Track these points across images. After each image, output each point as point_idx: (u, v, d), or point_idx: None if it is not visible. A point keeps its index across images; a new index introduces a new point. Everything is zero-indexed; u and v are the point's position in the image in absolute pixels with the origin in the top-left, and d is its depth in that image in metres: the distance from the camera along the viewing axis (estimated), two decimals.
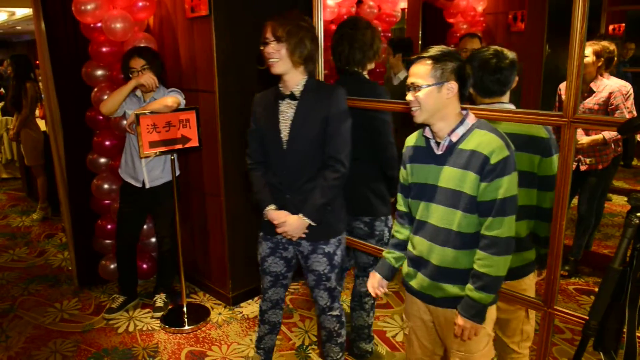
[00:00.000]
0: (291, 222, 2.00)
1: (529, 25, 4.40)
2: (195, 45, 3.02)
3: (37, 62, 4.91)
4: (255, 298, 3.31)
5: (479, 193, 1.54)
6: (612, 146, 3.17)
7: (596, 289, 3.20)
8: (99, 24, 3.06)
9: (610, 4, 4.91)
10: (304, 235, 2.04)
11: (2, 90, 9.50)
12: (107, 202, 3.33)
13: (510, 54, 1.88)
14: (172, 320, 3.03)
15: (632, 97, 3.04)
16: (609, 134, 3.02)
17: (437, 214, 1.63)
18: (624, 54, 4.73)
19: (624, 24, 5.04)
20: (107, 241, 3.38)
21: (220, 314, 3.15)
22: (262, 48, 1.96)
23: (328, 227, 2.06)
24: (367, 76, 2.34)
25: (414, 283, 1.75)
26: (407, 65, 1.62)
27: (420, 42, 4.38)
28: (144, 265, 3.45)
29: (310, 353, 2.73)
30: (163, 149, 2.77)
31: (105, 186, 3.28)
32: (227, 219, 3.09)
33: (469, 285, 1.59)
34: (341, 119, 1.97)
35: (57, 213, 4.81)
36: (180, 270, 3.03)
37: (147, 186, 2.97)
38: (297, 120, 1.97)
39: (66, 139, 3.30)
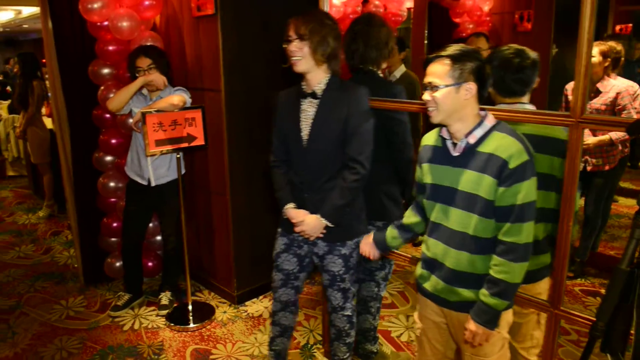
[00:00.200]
0: (309, 222, 2.00)
1: (535, 25, 4.38)
2: (202, 44, 3.03)
3: (44, 60, 4.95)
4: (260, 297, 3.32)
5: (496, 198, 1.50)
6: (619, 147, 3.15)
7: (602, 291, 3.20)
8: (106, 23, 3.07)
9: (617, 4, 4.88)
10: (321, 235, 2.03)
11: (8, 88, 9.55)
12: (113, 200, 3.34)
13: (532, 53, 1.84)
14: (177, 318, 3.04)
15: (639, 97, 3.02)
16: (616, 135, 3.00)
17: (452, 217, 1.60)
18: (632, 54, 4.70)
19: (631, 24, 5.01)
20: (113, 239, 3.39)
21: (225, 312, 3.15)
22: (284, 46, 1.94)
23: (346, 228, 2.05)
24: (381, 75, 2.29)
25: (427, 285, 1.73)
26: (426, 64, 1.57)
27: (426, 41, 4.36)
28: (150, 263, 3.46)
29: (315, 352, 2.73)
30: (169, 147, 2.77)
31: (111, 184, 3.29)
32: (233, 217, 3.09)
33: (484, 291, 1.55)
34: (362, 119, 1.95)
35: (63, 211, 4.84)
36: (186, 269, 3.04)
37: (153, 184, 2.98)
38: (318, 119, 1.96)
39: (73, 137, 3.31)
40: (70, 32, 3.20)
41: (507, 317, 1.64)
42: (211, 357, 2.72)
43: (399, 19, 4.51)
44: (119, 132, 3.24)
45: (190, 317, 3.01)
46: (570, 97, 3.28)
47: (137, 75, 2.86)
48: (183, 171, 2.99)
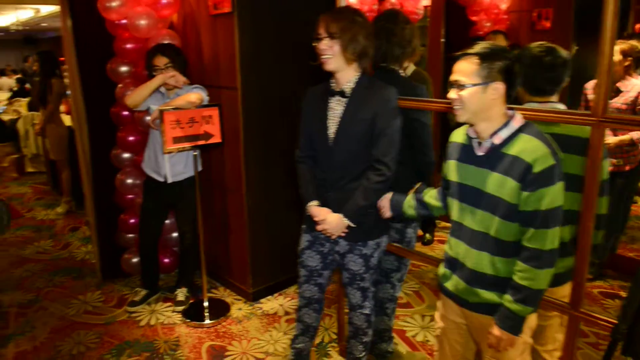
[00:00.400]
0: (330, 221, 1.99)
1: (555, 23, 4.32)
2: (218, 42, 3.04)
3: (61, 58, 5.01)
4: (275, 294, 3.33)
5: (520, 202, 1.47)
6: None
7: (621, 293, 3.15)
8: (124, 21, 3.10)
9: (637, 3, 4.79)
10: (342, 234, 2.02)
11: (27, 86, 9.70)
12: (130, 196, 3.38)
13: (564, 52, 1.79)
14: (193, 314, 3.06)
15: None
16: (637, 135, 2.96)
17: (474, 217, 1.58)
18: None
19: None
20: (130, 235, 3.43)
21: (240, 309, 3.17)
22: (314, 44, 1.93)
23: (367, 229, 2.04)
24: (403, 74, 2.25)
25: (449, 285, 1.71)
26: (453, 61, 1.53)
27: (443, 39, 4.33)
28: (166, 260, 3.49)
29: (330, 350, 2.73)
30: (186, 144, 2.79)
31: (129, 181, 3.33)
32: (249, 215, 3.11)
33: (508, 297, 1.53)
34: (390, 120, 1.92)
35: (81, 207, 4.90)
36: (202, 265, 3.06)
37: (170, 181, 3.00)
38: (346, 118, 1.95)
39: (91, 134, 3.35)
40: (89, 30, 3.24)
41: (530, 321, 1.60)
42: (226, 353, 2.73)
43: (415, 17, 4.49)
44: (137, 129, 3.27)
45: (206, 314, 3.03)
46: (589, 96, 3.25)
47: (154, 74, 2.88)
48: (200, 168, 3.01)
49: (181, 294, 3.22)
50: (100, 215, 3.46)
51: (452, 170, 1.67)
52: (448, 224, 4.49)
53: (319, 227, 2.03)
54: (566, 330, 1.77)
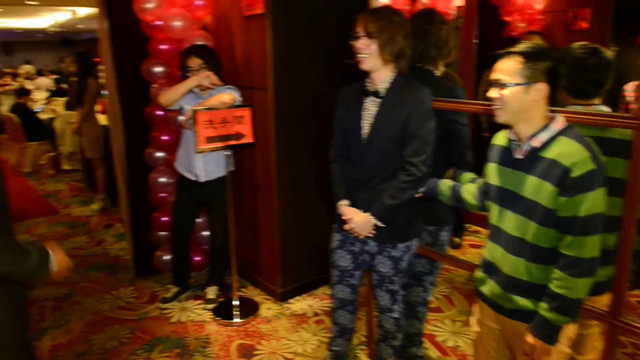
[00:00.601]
0: (357, 220, 1.98)
1: (593, 23, 4.21)
2: (251, 43, 3.06)
3: (96, 59, 5.13)
4: (304, 295, 3.33)
5: (557, 207, 1.43)
6: None
7: None
8: (159, 22, 3.15)
9: None
10: (371, 235, 2.01)
11: (64, 86, 9.97)
12: (163, 195, 3.43)
13: (607, 53, 1.75)
14: (222, 312, 3.09)
15: None
16: None
17: (510, 222, 1.55)
18: None
19: None
20: (162, 233, 3.48)
21: (269, 309, 3.18)
22: (351, 42, 1.92)
23: (397, 231, 2.02)
24: (439, 75, 2.22)
25: (485, 289, 1.68)
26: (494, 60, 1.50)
27: (477, 40, 4.26)
28: (197, 258, 3.53)
29: (359, 353, 2.72)
30: (219, 144, 2.82)
31: (162, 179, 3.38)
32: (279, 215, 3.12)
33: (543, 304, 1.49)
34: (423, 121, 1.90)
35: (115, 204, 5.01)
36: (232, 264, 3.09)
37: (202, 180, 3.04)
38: (379, 118, 1.94)
39: (126, 134, 3.42)
40: (125, 31, 3.30)
41: (569, 331, 1.55)
42: (255, 352, 2.75)
43: (447, 17, 4.44)
44: (170, 129, 3.32)
45: (236, 312, 3.06)
46: (628, 98, 3.15)
47: (187, 75, 2.92)
48: (232, 168, 3.04)
49: (211, 292, 3.25)
50: (134, 212, 3.53)
51: (492, 173, 1.64)
52: (478, 228, 4.41)
53: (346, 227, 2.03)
54: (605, 340, 1.72)
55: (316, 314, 3.11)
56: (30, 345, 1.74)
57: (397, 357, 2.28)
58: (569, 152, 1.41)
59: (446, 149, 2.13)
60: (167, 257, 3.46)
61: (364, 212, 1.99)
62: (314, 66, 3.08)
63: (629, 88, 3.10)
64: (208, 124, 2.75)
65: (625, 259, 1.61)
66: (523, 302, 1.55)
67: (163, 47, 3.22)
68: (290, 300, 3.27)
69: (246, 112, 2.87)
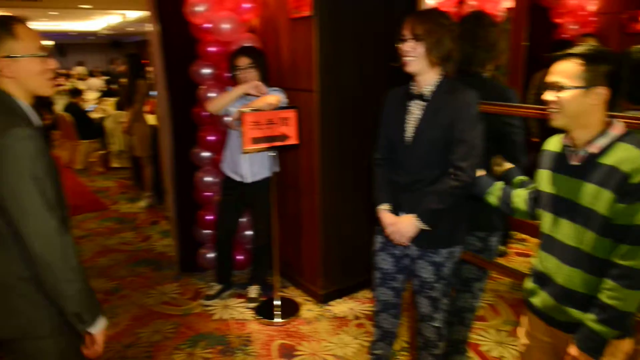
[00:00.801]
0: (402, 221, 1.96)
1: None
2: (297, 45, 3.08)
3: (145, 61, 5.28)
4: (345, 297, 3.32)
5: (614, 214, 1.37)
6: None
7: None
8: (208, 25, 3.21)
9: None
10: (408, 243, 1.98)
11: (113, 86, 10.32)
12: (208, 193, 3.50)
13: None
14: (264, 312, 3.12)
15: None
16: None
17: (565, 230, 1.49)
18: None
19: None
20: (207, 231, 3.55)
21: (310, 310, 3.19)
22: (398, 45, 1.90)
23: (440, 236, 1.98)
24: (487, 76, 2.17)
25: (536, 300, 1.62)
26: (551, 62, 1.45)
27: (527, 43, 4.15)
28: (240, 257, 3.58)
29: (400, 359, 2.69)
30: (264, 145, 2.85)
31: (208, 179, 3.45)
32: (322, 217, 3.13)
33: (591, 315, 1.42)
34: (469, 125, 1.87)
35: (161, 202, 5.14)
36: (274, 264, 3.11)
37: (247, 181, 3.08)
38: (424, 122, 1.92)
39: (174, 133, 3.50)
40: (175, 33, 3.38)
41: (625, 346, 1.47)
42: (296, 352, 2.76)
43: (496, 19, 4.34)
44: (216, 129, 3.38)
45: (278, 312, 3.08)
46: None
47: (236, 73, 2.97)
48: (277, 169, 3.07)
49: (253, 291, 3.29)
50: (180, 210, 3.61)
51: (544, 180, 1.58)
52: (523, 235, 4.27)
53: (386, 232, 2.02)
54: None
55: (357, 317, 3.09)
56: None
57: None
58: (629, 158, 1.35)
59: (500, 153, 2.07)
60: (210, 255, 3.53)
61: (407, 214, 1.96)
62: (359, 68, 3.07)
63: None
64: (254, 125, 2.78)
65: None
66: (578, 314, 1.49)
67: (211, 49, 3.28)
68: (331, 303, 3.27)
69: (291, 114, 2.89)
